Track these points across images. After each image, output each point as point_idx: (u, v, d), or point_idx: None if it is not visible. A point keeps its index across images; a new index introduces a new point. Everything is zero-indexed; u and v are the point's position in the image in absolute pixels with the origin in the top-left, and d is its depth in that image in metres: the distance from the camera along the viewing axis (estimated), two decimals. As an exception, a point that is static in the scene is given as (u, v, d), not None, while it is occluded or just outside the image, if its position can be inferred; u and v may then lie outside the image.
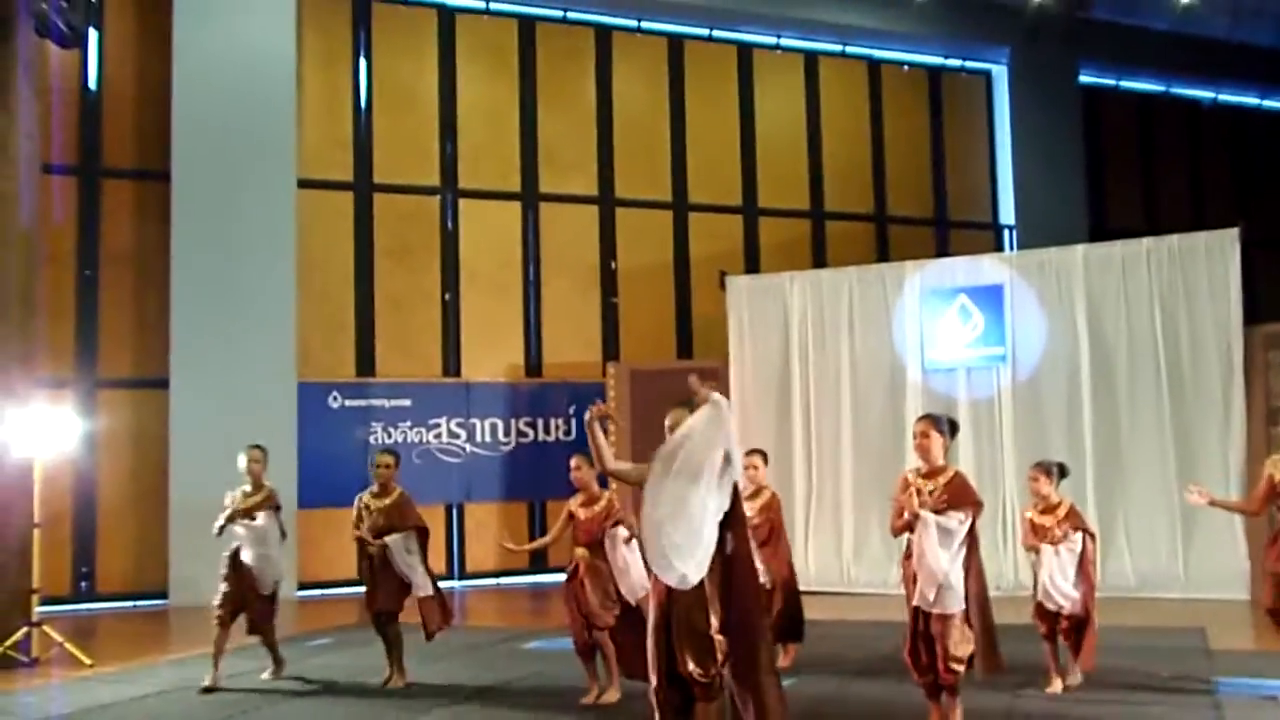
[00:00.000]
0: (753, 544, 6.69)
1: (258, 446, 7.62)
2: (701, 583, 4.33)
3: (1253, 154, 18.48)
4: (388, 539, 7.09)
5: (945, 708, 5.57)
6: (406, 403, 13.27)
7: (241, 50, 12.55)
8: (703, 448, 4.37)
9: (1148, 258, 11.23)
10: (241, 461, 7.52)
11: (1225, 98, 18.45)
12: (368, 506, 7.26)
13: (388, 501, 7.22)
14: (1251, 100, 18.66)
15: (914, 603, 5.51)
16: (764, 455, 7.76)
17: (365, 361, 13.33)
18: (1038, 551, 6.65)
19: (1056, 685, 6.56)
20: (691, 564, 4.25)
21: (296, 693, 7.08)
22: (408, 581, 7.15)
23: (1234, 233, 10.97)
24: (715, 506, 4.34)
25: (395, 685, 7.14)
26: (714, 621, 4.38)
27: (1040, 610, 6.62)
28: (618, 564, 6.38)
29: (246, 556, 7.32)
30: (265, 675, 7.49)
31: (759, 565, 6.97)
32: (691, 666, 4.35)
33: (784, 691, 4.48)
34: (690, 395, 4.71)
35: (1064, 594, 6.52)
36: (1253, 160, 18.46)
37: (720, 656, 4.38)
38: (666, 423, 4.64)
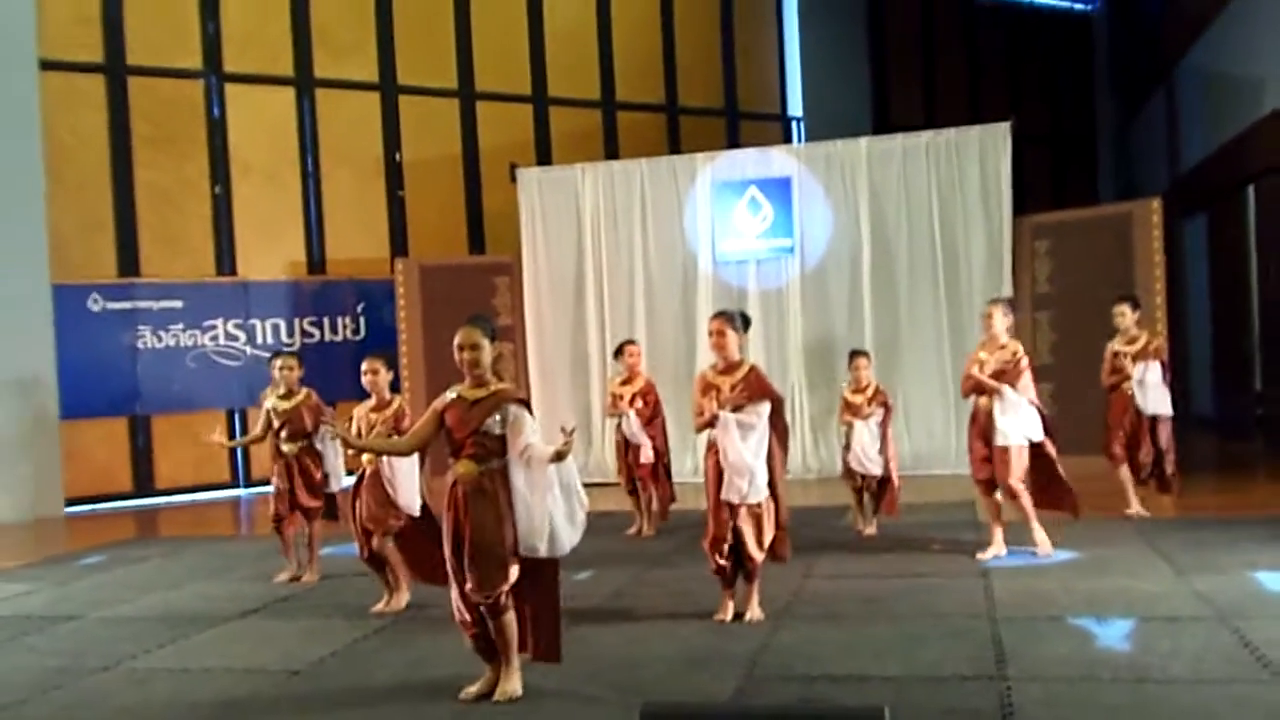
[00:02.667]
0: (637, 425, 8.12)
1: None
2: (496, 504, 4.44)
3: (1024, 51, 19.32)
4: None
5: (742, 592, 5.71)
6: (177, 304, 12.40)
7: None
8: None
9: (926, 150, 11.60)
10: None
11: (1000, -4, 19.14)
12: (275, 409, 7.29)
13: (298, 401, 7.27)
14: (1023, -1, 19.44)
15: (723, 496, 5.56)
16: (636, 344, 8.89)
17: (128, 261, 12.33)
18: (850, 425, 7.84)
19: (861, 528, 7.95)
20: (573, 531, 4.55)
21: (69, 616, 6.58)
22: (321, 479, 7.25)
23: (1005, 127, 11.44)
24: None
25: (309, 581, 7.25)
26: (509, 543, 4.44)
27: (849, 473, 7.95)
28: (393, 475, 6.06)
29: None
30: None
31: (644, 443, 8.11)
32: (475, 587, 4.43)
33: (560, 607, 4.70)
34: (483, 313, 4.85)
35: (871, 459, 7.75)
36: (1024, 57, 19.31)
37: (511, 576, 4.46)
38: (457, 341, 4.53)
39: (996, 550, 6.88)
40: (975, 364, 6.86)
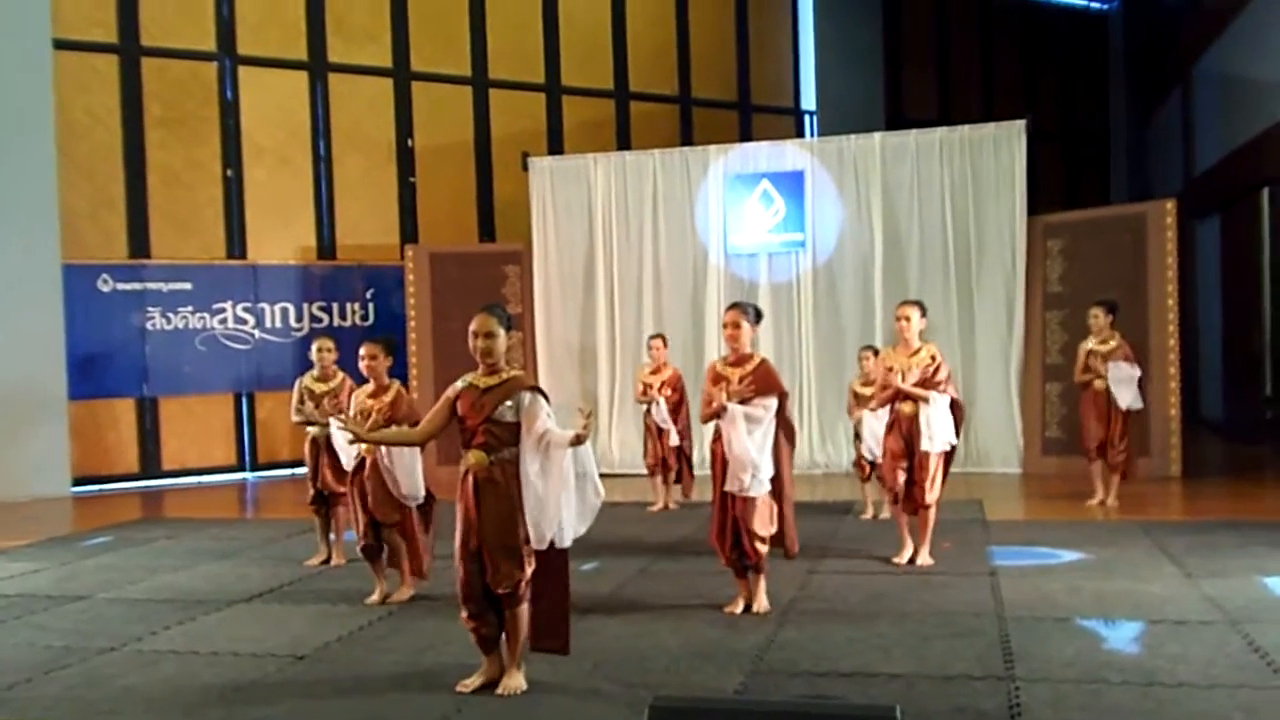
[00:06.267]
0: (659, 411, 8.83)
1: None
2: (507, 495, 4.44)
3: (1039, 48, 19.22)
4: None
5: (751, 584, 5.71)
6: (187, 286, 12.40)
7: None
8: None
9: (940, 147, 11.54)
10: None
11: (1014, -8, 19.03)
12: (310, 390, 7.26)
13: (333, 385, 7.23)
14: (1039, -4, 19.32)
15: (725, 488, 5.59)
16: (664, 338, 9.60)
17: (139, 242, 12.33)
18: (860, 419, 8.22)
19: (870, 512, 8.50)
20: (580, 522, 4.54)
21: (76, 596, 6.59)
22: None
23: (1020, 124, 11.39)
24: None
25: (337, 564, 7.27)
26: (522, 533, 4.44)
27: (860, 461, 8.44)
28: (392, 466, 5.98)
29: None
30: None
31: (672, 430, 8.75)
32: (495, 578, 4.44)
33: (570, 598, 4.71)
34: (493, 301, 5.01)
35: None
36: (1038, 54, 19.22)
37: (528, 565, 4.48)
38: (472, 328, 4.52)
39: (909, 554, 6.82)
40: (895, 373, 6.71)
